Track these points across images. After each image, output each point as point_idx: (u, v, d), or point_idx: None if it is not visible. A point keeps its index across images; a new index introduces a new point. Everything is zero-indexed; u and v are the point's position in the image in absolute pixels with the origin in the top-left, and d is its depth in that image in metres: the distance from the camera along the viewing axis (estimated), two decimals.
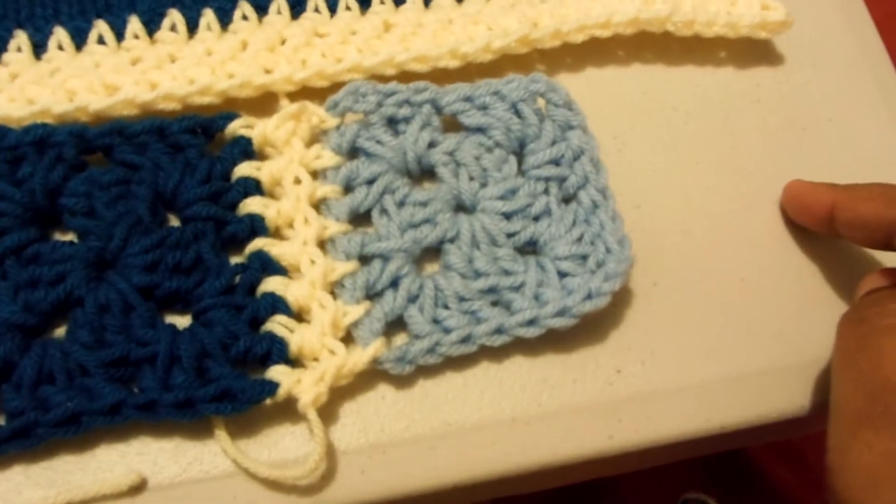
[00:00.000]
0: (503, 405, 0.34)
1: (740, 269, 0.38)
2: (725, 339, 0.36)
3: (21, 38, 0.37)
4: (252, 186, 0.35)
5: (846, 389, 0.32)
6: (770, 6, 0.41)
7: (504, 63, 0.40)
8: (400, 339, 0.34)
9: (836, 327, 0.34)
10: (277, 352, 0.32)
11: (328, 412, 0.33)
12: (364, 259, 0.34)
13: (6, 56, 0.36)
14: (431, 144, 0.36)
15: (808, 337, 0.37)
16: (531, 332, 0.33)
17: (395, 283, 0.34)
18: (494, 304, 0.34)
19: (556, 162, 0.36)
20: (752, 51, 0.43)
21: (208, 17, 0.38)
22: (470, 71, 0.39)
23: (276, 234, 0.35)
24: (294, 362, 0.32)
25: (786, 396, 0.36)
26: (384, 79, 0.37)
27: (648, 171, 0.39)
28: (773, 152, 0.41)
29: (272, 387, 0.31)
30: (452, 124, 0.37)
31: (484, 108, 0.37)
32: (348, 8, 0.39)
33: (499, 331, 0.33)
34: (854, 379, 0.31)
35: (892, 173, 0.41)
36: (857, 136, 0.42)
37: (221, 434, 0.31)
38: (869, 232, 0.35)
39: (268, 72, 0.37)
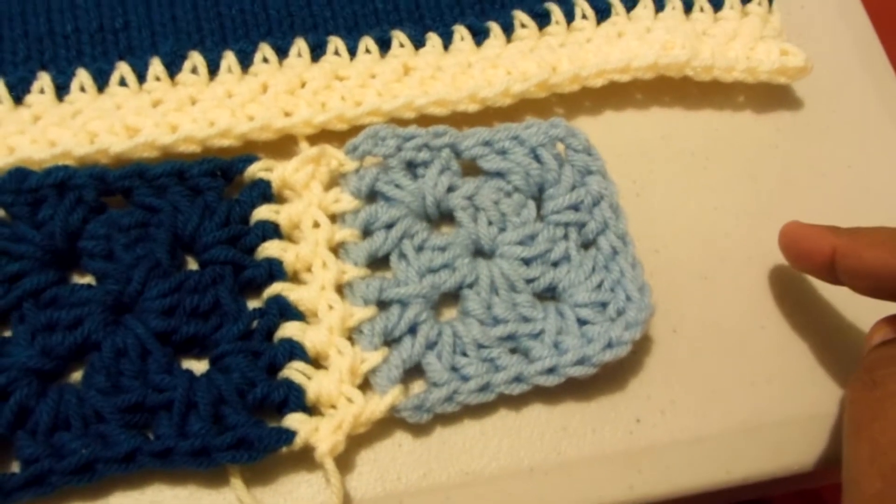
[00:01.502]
0: (521, 454, 0.33)
1: (760, 317, 0.37)
2: (746, 389, 0.36)
3: (44, 80, 0.37)
4: (270, 230, 0.35)
5: (860, 466, 0.28)
6: (789, 52, 0.41)
7: (523, 106, 0.40)
8: (417, 386, 0.34)
9: (846, 390, 0.31)
10: (294, 399, 0.31)
11: (344, 460, 0.32)
12: (382, 304, 0.34)
13: (29, 98, 0.37)
14: (450, 189, 0.36)
15: (829, 387, 0.36)
16: (550, 381, 0.33)
17: (413, 330, 0.33)
18: (513, 351, 0.34)
19: (575, 207, 0.36)
20: (771, 95, 0.42)
21: (229, 59, 0.38)
22: (489, 114, 0.39)
23: (294, 278, 0.35)
24: (311, 410, 0.32)
25: (807, 448, 0.35)
26: (403, 122, 0.38)
27: (667, 215, 0.39)
28: (792, 197, 0.40)
29: (289, 435, 0.30)
30: (471, 168, 0.37)
31: (503, 152, 0.37)
32: (368, 51, 0.40)
33: (518, 379, 0.33)
34: (868, 455, 0.28)
35: None
36: (876, 183, 0.41)
37: (237, 483, 0.31)
38: (875, 282, 0.32)
39: (287, 115, 0.37)
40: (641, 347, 0.36)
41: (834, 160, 0.42)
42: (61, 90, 0.37)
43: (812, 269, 0.35)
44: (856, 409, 0.30)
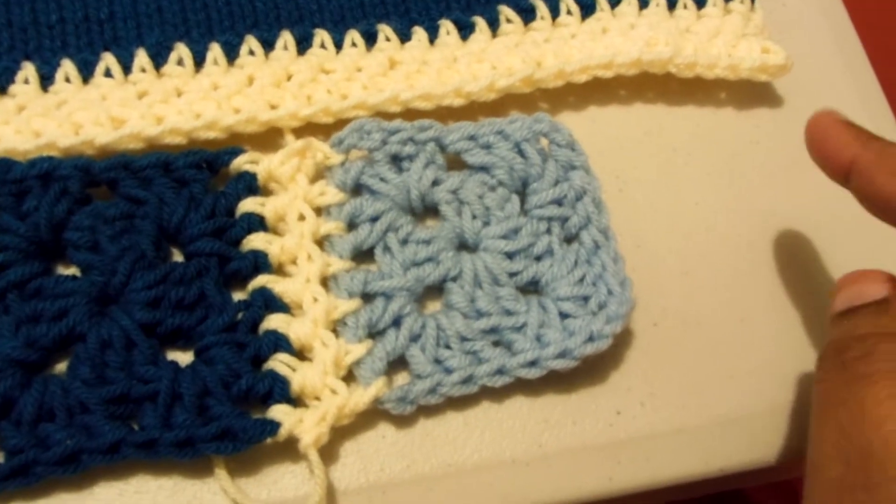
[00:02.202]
0: (503, 446, 0.34)
1: (740, 310, 0.38)
2: (725, 381, 0.36)
3: (29, 70, 0.37)
4: (256, 222, 0.35)
5: (825, 450, 0.27)
6: (770, 50, 0.41)
7: (507, 101, 0.40)
8: (401, 378, 0.34)
9: (816, 367, 0.30)
10: (279, 390, 0.32)
11: (328, 451, 0.32)
12: (367, 297, 0.34)
13: (13, 88, 0.36)
14: (435, 182, 0.36)
15: (808, 379, 0.37)
16: (532, 374, 0.33)
17: (397, 322, 0.34)
18: (496, 344, 0.34)
19: (558, 202, 0.37)
20: (752, 92, 0.43)
21: (215, 51, 0.38)
22: (474, 109, 0.40)
23: (280, 270, 0.35)
24: (295, 401, 0.32)
25: (786, 439, 0.36)
26: (389, 116, 0.38)
27: (649, 210, 0.40)
28: (772, 193, 0.41)
29: (273, 426, 0.31)
30: (456, 162, 0.38)
31: (487, 147, 0.37)
32: (354, 44, 0.40)
33: (500, 371, 0.33)
34: (834, 439, 0.27)
35: None
36: None
37: (221, 473, 0.31)
38: (882, 207, 0.30)
39: (273, 107, 0.37)
40: (622, 341, 0.36)
41: None
42: (46, 80, 0.37)
43: (827, 170, 0.33)
44: (823, 391, 0.29)
